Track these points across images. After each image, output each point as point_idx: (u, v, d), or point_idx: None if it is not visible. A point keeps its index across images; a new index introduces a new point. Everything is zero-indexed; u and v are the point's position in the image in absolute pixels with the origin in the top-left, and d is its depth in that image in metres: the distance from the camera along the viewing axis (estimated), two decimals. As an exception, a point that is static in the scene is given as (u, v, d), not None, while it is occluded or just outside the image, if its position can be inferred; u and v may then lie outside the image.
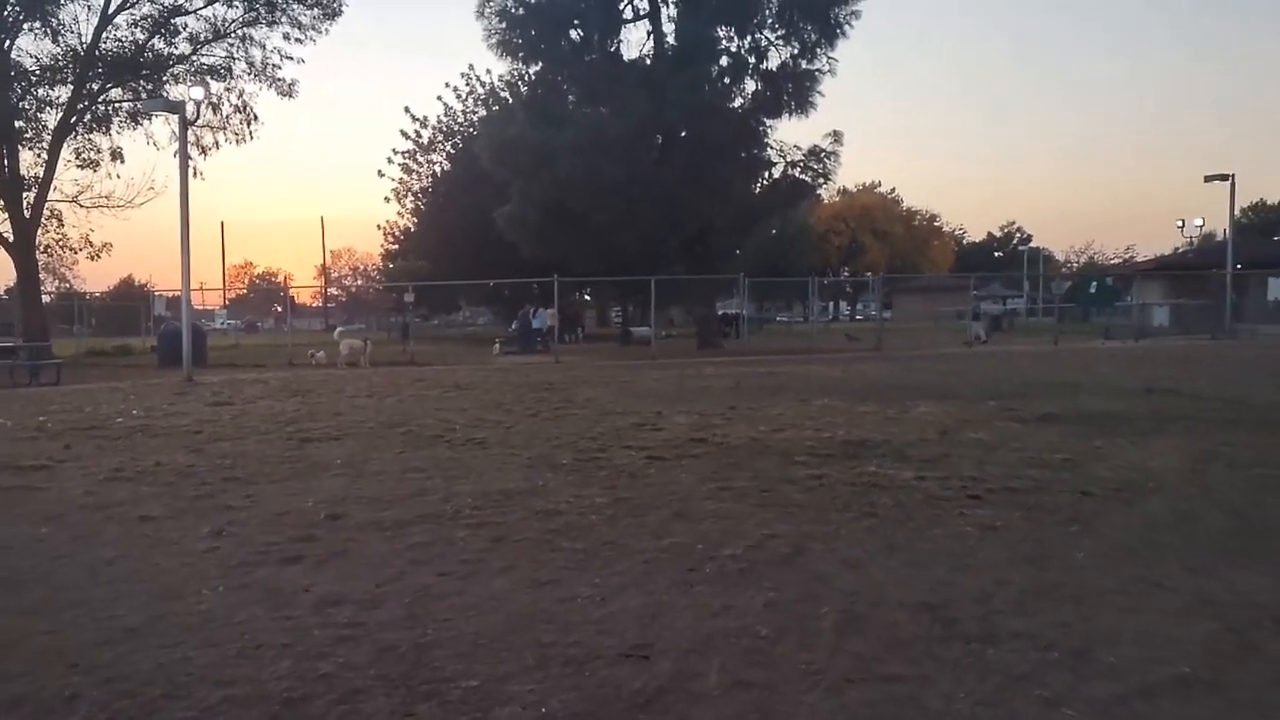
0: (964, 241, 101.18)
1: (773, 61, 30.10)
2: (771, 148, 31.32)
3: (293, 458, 8.23)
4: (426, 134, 48.58)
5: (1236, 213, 35.78)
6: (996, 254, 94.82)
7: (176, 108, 21.45)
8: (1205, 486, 6.48)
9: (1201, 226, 52.18)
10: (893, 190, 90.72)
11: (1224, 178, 32.72)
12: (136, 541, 5.35)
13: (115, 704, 3.15)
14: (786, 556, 4.86)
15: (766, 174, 32.33)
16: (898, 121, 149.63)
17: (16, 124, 27.27)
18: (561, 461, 7.84)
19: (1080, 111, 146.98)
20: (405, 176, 49.85)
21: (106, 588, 4.46)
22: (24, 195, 27.40)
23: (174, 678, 3.34)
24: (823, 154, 30.87)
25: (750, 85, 30.65)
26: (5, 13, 26.77)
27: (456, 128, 47.50)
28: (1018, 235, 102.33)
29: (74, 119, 27.84)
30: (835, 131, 30.96)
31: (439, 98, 48.55)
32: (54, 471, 7.72)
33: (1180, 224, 53.26)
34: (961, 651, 3.51)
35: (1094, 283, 40.46)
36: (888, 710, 3.07)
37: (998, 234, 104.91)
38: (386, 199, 51.55)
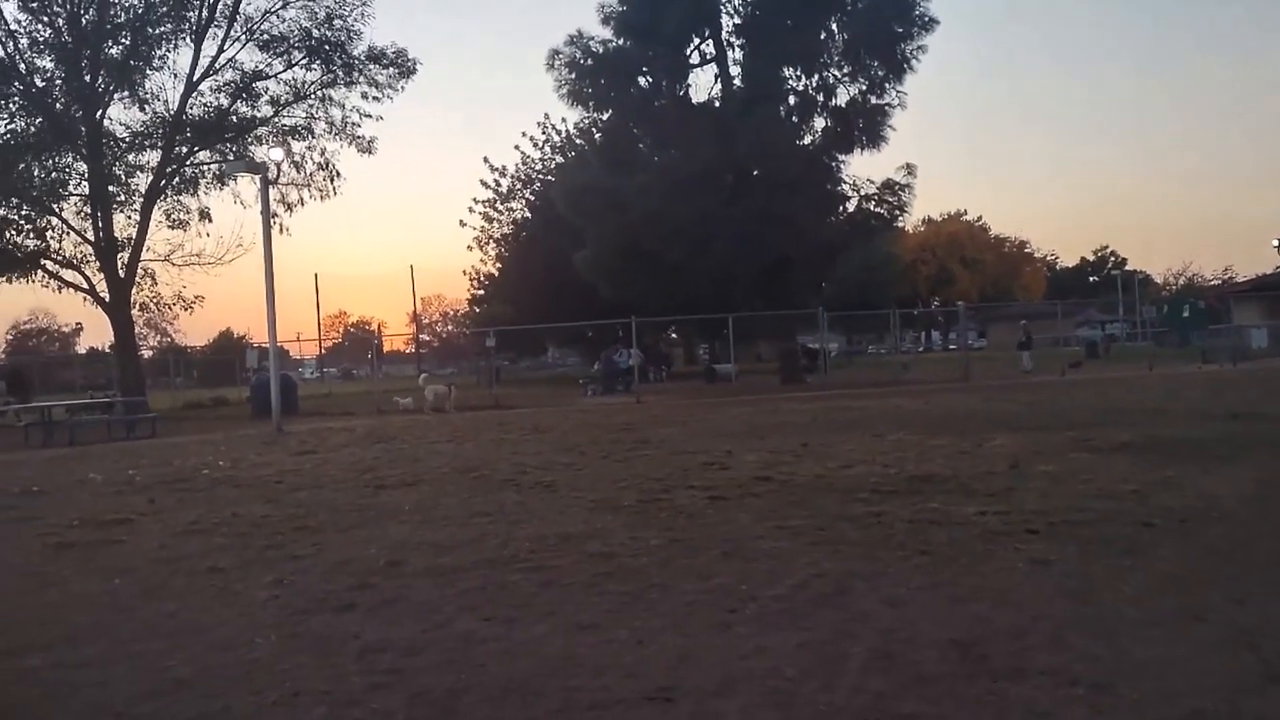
0: (1056, 267, 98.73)
1: (841, 98, 30.36)
2: (845, 183, 31.41)
3: (364, 505, 8.46)
4: (506, 183, 49.78)
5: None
6: (1091, 279, 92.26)
7: (258, 169, 22.31)
8: (1268, 515, 6.28)
9: (1300, 244, 50.48)
10: (979, 218, 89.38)
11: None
12: (201, 593, 5.55)
13: (150, 753, 3.29)
14: (828, 596, 4.83)
15: (841, 209, 32.26)
16: (980, 148, 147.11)
17: (110, 188, 28.69)
18: (625, 503, 7.89)
19: (1174, 129, 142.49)
20: (486, 224, 51.09)
21: (164, 640, 4.63)
22: (118, 256, 28.75)
23: (209, 727, 3.48)
24: (897, 187, 30.87)
25: (819, 122, 30.96)
26: (97, 84, 28.23)
27: (535, 175, 48.53)
28: (1112, 259, 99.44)
29: (163, 182, 29.20)
30: (908, 164, 30.97)
31: (516, 147, 49.85)
32: (133, 525, 8.02)
33: (1276, 243, 51.51)
34: (985, 688, 3.47)
35: (1185, 306, 39.02)
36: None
37: (1091, 258, 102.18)
38: (470, 247, 52.89)
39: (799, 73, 30.00)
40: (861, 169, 68.50)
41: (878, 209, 31.77)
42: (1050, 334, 46.04)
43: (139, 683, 4.00)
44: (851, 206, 32.16)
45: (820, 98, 30.22)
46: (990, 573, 5.11)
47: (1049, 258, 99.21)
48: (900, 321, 39.40)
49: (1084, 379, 25.53)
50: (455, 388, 26.45)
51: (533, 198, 48.12)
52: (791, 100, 30.19)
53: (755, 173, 30.27)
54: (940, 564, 5.35)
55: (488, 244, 51.66)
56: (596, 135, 35.21)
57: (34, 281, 28.84)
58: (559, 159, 46.41)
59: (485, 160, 50.10)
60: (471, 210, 50.95)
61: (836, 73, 30.03)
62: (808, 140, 30.89)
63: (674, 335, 56.42)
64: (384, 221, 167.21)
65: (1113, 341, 50.88)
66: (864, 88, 29.82)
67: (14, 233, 28.07)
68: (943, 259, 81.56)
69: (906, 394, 21.98)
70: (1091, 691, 3.38)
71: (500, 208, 50.46)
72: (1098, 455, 9.36)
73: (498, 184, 49.93)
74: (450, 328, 59.48)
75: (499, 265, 51.24)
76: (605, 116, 32.12)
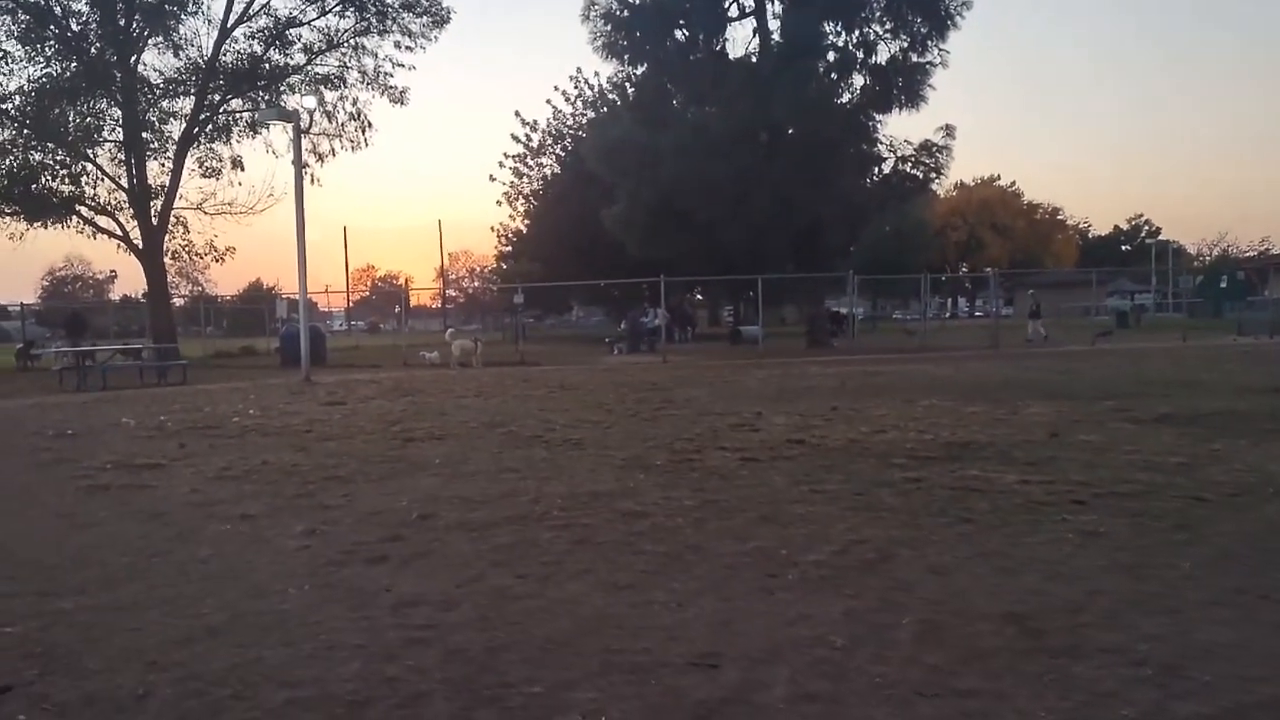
0: (1089, 235, 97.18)
1: (881, 56, 29.71)
2: (881, 143, 30.91)
3: (394, 457, 8.41)
4: (536, 137, 49.43)
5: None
6: (1124, 247, 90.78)
7: (291, 117, 22.12)
8: (1328, 491, 6.03)
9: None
10: (1012, 183, 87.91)
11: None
12: (233, 540, 5.51)
13: (184, 703, 3.21)
14: (872, 563, 4.70)
15: (876, 170, 31.80)
16: (1016, 112, 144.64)
17: (143, 135, 28.71)
18: (655, 462, 7.79)
19: (1210, 98, 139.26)
20: (516, 180, 50.83)
21: (197, 585, 4.59)
22: (151, 204, 28.88)
23: (245, 677, 3.40)
24: (934, 148, 30.34)
25: (858, 80, 30.29)
26: (131, 29, 28.21)
27: (565, 131, 48.15)
28: (1146, 228, 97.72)
29: (196, 129, 29.24)
30: (947, 125, 30.43)
31: (548, 101, 49.57)
32: (165, 470, 8.03)
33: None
34: (1045, 665, 3.33)
35: (1223, 276, 38.31)
36: (959, 727, 2.93)
37: (1124, 227, 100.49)
38: (498, 202, 52.73)
39: (839, 28, 29.33)
40: (897, 129, 67.64)
41: (913, 171, 31.29)
42: (1079, 303, 45.34)
43: (173, 629, 3.95)
44: (887, 168, 31.69)
45: (860, 54, 29.58)
46: (1038, 544, 4.95)
47: (1081, 225, 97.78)
48: (930, 287, 38.84)
49: (1115, 349, 25.12)
50: (481, 343, 26.36)
51: (563, 153, 47.77)
52: (830, 57, 29.55)
53: (791, 131, 29.77)
54: (985, 533, 5.20)
55: (517, 200, 51.49)
56: (630, 90, 34.74)
57: (69, 227, 29.02)
58: (591, 114, 45.96)
59: (516, 114, 49.81)
60: (501, 165, 50.75)
61: (878, 29, 29.38)
62: (845, 98, 30.29)
63: (699, 296, 56.10)
64: (413, 175, 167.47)
65: (1143, 312, 50.07)
66: (905, 45, 29.14)
67: (49, 178, 28.16)
68: (973, 225, 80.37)
69: (935, 360, 21.73)
70: (1160, 673, 3.23)
71: (530, 163, 50.19)
72: (1139, 426, 9.14)
73: (528, 139, 49.65)
74: (477, 284, 59.35)
75: (527, 221, 51.03)
76: (639, 70, 31.62)
